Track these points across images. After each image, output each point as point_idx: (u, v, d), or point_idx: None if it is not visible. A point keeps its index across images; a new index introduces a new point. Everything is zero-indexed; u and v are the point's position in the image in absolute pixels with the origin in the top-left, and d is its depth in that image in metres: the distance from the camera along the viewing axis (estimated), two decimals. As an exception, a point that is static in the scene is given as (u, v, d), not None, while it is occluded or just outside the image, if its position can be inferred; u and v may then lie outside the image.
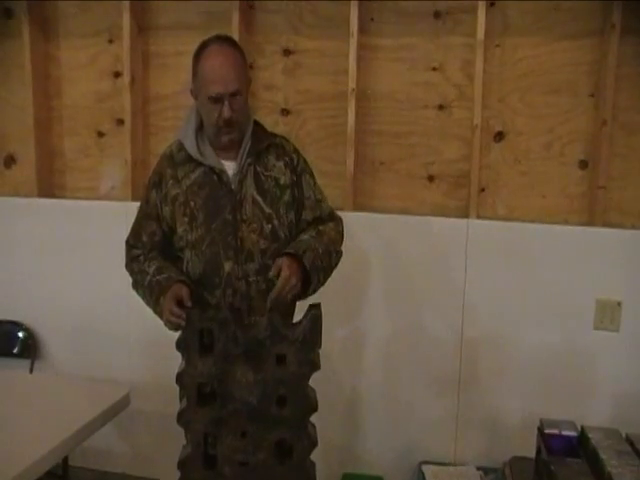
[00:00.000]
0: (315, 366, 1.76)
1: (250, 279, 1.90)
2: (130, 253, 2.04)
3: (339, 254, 2.00)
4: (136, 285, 2.00)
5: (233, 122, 1.88)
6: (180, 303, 1.78)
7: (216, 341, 1.73)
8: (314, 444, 1.80)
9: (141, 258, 2.00)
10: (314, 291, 1.92)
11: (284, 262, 1.78)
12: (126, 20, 2.88)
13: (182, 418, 1.77)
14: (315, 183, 2.05)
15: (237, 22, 2.75)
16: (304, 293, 1.88)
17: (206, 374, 1.74)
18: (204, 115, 1.92)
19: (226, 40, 1.92)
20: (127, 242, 2.06)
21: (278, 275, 1.76)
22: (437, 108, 2.70)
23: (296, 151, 2.04)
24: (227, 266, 1.89)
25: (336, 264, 1.99)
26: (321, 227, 1.98)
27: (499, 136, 2.66)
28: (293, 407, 1.75)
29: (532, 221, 2.63)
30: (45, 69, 3.08)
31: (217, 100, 1.85)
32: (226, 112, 1.85)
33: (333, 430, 2.78)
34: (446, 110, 2.70)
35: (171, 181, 1.95)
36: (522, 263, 2.60)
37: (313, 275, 1.84)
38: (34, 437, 1.94)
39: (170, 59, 2.94)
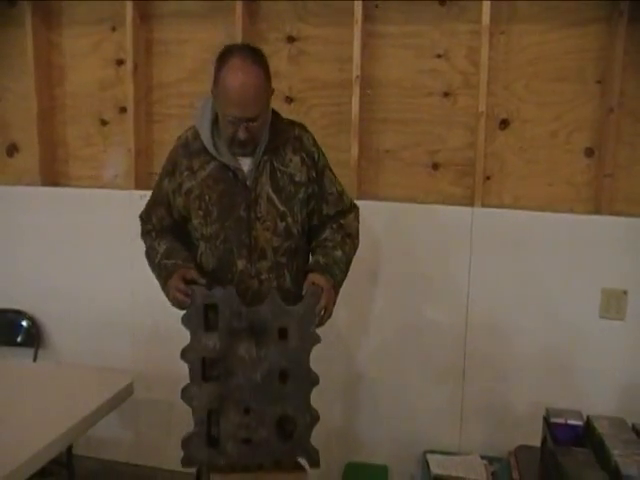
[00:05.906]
0: (315, 339, 1.79)
1: (262, 277, 1.91)
2: (144, 227, 2.08)
3: (357, 245, 2.07)
4: (148, 257, 2.03)
5: (248, 142, 1.85)
6: (187, 281, 1.80)
7: (220, 316, 1.75)
8: (316, 419, 1.82)
9: (153, 234, 2.04)
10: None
11: (324, 291, 1.82)
12: (129, 8, 2.86)
13: (186, 394, 1.78)
14: (335, 176, 2.07)
15: (240, 9, 2.73)
16: None
17: (211, 349, 1.76)
18: (221, 122, 1.87)
19: (250, 54, 1.81)
20: (140, 217, 2.10)
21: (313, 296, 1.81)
22: (442, 95, 2.68)
23: (315, 144, 2.02)
24: (240, 264, 1.90)
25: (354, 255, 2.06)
26: (342, 221, 2.03)
27: (504, 124, 2.64)
28: (295, 381, 1.78)
29: (537, 209, 2.61)
30: (48, 57, 3.06)
31: (234, 122, 1.82)
32: (241, 134, 1.82)
33: (337, 419, 2.78)
34: (451, 97, 2.68)
35: (186, 172, 1.94)
36: (527, 252, 2.58)
37: (339, 288, 1.94)
38: (38, 426, 1.94)
39: (173, 47, 2.93)
